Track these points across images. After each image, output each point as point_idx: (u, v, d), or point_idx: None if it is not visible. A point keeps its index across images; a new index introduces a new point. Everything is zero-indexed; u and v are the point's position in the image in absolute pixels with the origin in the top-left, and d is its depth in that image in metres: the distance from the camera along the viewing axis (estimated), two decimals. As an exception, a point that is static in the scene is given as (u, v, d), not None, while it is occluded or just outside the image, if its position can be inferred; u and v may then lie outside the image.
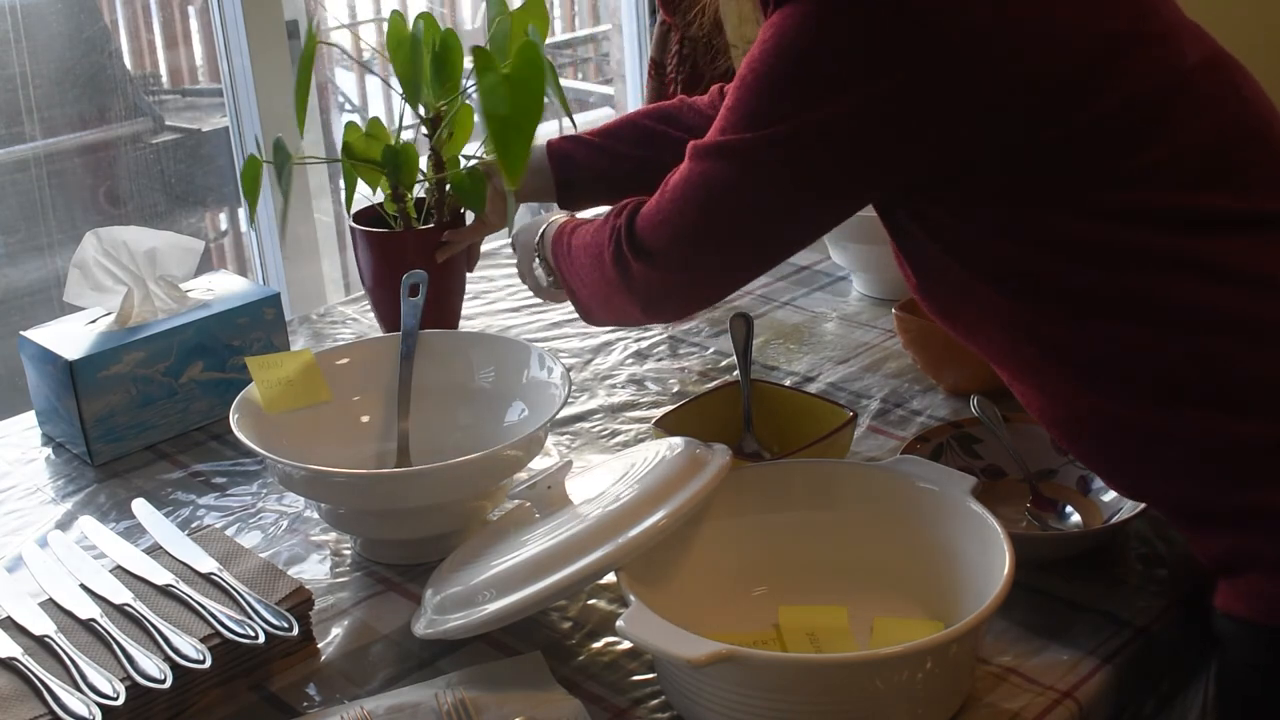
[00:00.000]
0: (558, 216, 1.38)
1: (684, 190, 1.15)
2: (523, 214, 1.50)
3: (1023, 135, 1.04)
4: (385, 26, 1.53)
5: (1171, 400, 1.03)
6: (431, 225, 1.55)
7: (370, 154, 1.52)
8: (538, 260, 1.37)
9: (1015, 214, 1.06)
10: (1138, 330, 1.04)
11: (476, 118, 1.53)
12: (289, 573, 1.16)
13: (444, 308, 1.55)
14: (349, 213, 1.59)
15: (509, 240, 1.51)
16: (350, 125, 1.52)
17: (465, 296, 1.79)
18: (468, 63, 1.54)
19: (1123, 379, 1.05)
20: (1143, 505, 1.16)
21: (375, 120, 1.54)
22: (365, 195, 1.57)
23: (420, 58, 1.46)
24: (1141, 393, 1.04)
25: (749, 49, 1.16)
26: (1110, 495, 1.23)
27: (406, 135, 1.54)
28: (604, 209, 1.31)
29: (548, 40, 1.69)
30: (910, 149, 1.06)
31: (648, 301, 1.20)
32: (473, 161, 1.57)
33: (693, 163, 1.14)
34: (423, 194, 1.56)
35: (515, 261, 1.46)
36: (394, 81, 1.53)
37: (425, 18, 1.49)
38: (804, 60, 1.06)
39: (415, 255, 1.51)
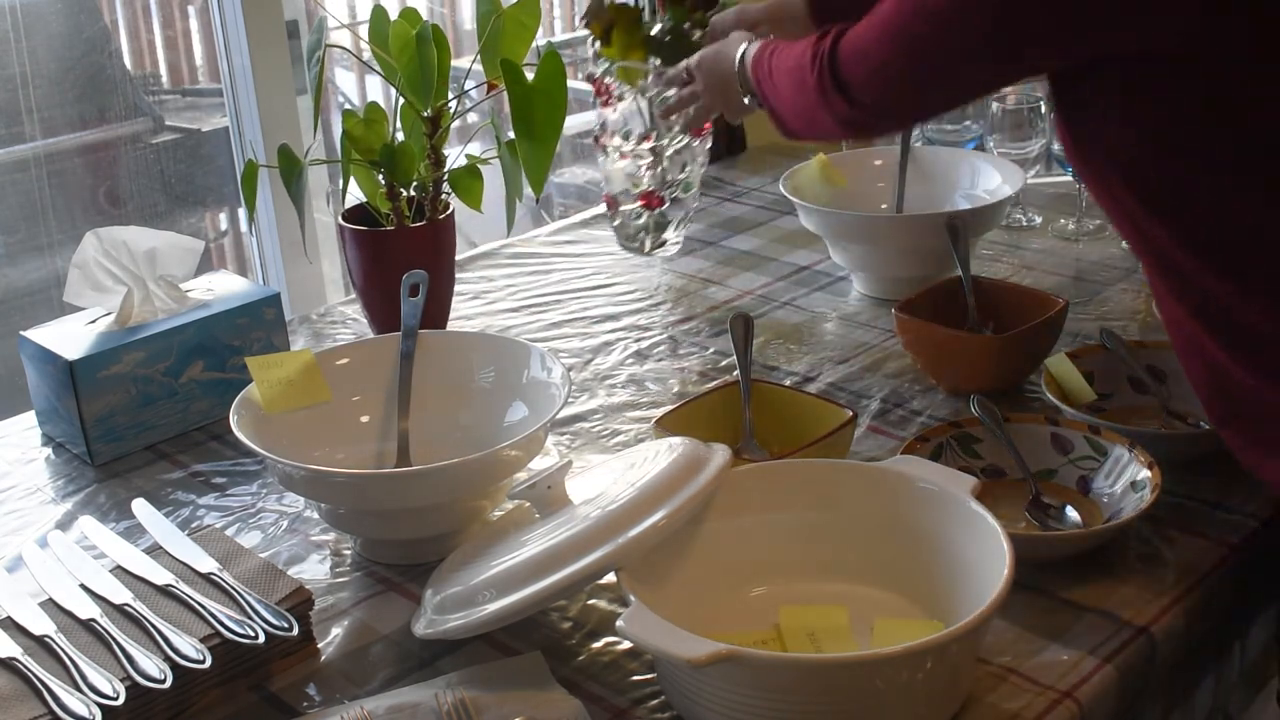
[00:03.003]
0: (747, 42, 1.44)
1: (888, 26, 1.16)
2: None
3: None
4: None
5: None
6: (423, 223, 1.55)
7: (369, 141, 1.52)
8: (742, 91, 1.43)
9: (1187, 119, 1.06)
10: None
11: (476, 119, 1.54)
12: (289, 573, 1.16)
13: (434, 305, 1.55)
14: (342, 199, 1.59)
15: (506, 231, 1.52)
16: (348, 113, 1.52)
17: (465, 296, 1.80)
18: (461, 63, 1.54)
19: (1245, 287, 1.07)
20: (1143, 506, 1.16)
21: (373, 105, 1.54)
22: (354, 194, 1.57)
23: (429, 60, 1.46)
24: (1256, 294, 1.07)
25: None
26: (1110, 495, 1.23)
27: (400, 136, 1.54)
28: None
29: (547, 39, 1.68)
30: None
31: (847, 125, 1.27)
32: (479, 155, 1.57)
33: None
34: (411, 192, 1.56)
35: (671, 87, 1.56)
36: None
37: (410, 12, 1.49)
38: None
39: (406, 254, 1.51)
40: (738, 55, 1.45)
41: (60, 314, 1.49)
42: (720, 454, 1.11)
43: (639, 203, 1.79)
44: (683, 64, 1.56)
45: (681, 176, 1.78)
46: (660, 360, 1.62)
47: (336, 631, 1.15)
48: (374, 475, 1.24)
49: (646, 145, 1.75)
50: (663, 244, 1.84)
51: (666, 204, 1.79)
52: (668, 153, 1.76)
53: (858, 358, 1.59)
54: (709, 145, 1.84)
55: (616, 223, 1.84)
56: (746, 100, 1.45)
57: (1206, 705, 1.21)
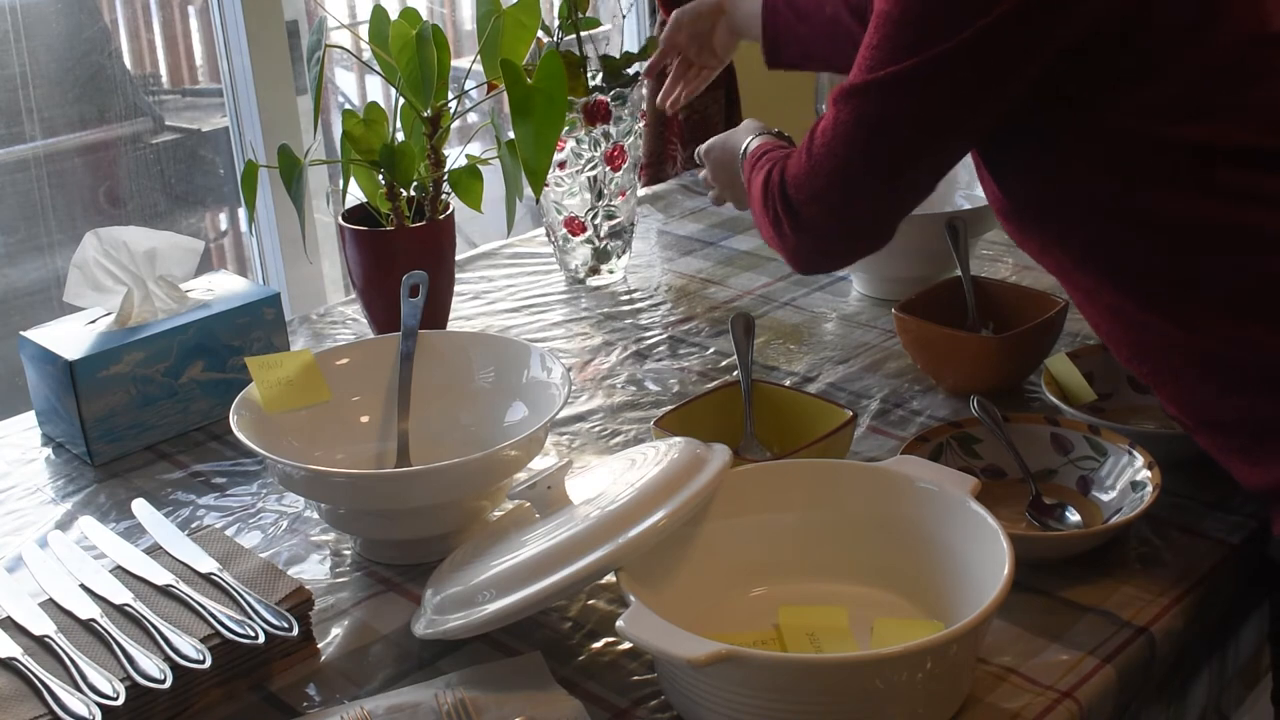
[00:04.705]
0: (751, 137, 1.44)
1: (834, 135, 1.18)
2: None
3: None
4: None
5: (1233, 319, 1.09)
6: (423, 223, 1.55)
7: (369, 141, 1.52)
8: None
9: (1112, 137, 1.11)
10: (1205, 256, 1.10)
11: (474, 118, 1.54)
12: (289, 573, 1.16)
13: (434, 305, 1.55)
14: (342, 199, 1.59)
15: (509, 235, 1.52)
16: (348, 113, 1.52)
17: (465, 296, 1.80)
18: (461, 63, 1.54)
19: (1186, 302, 1.11)
20: (1143, 506, 1.16)
21: (373, 105, 1.54)
22: (354, 194, 1.57)
23: (429, 60, 1.46)
24: (1204, 314, 1.10)
25: None
26: (1110, 495, 1.24)
27: (400, 136, 1.54)
28: None
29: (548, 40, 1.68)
30: (1062, 37, 1.09)
31: (796, 259, 1.29)
32: (479, 155, 1.57)
33: (841, 107, 1.17)
34: (411, 192, 1.56)
35: (703, 174, 1.59)
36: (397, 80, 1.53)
37: (410, 12, 1.49)
38: None
39: (406, 254, 1.51)
40: (741, 149, 1.45)
41: (60, 314, 1.49)
42: (720, 454, 1.11)
43: (564, 229, 1.80)
44: (697, 149, 1.60)
45: (614, 204, 1.79)
46: (660, 360, 1.62)
47: (336, 631, 1.15)
48: (374, 475, 1.24)
49: (585, 177, 1.76)
50: (598, 271, 1.85)
51: (589, 230, 1.80)
52: (610, 185, 1.77)
53: (858, 358, 1.59)
54: (638, 181, 1.87)
55: (563, 251, 1.85)
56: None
57: (1200, 703, 1.21)
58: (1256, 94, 1.10)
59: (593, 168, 1.76)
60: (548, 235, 1.86)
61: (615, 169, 1.76)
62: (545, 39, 1.72)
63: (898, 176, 1.20)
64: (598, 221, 1.80)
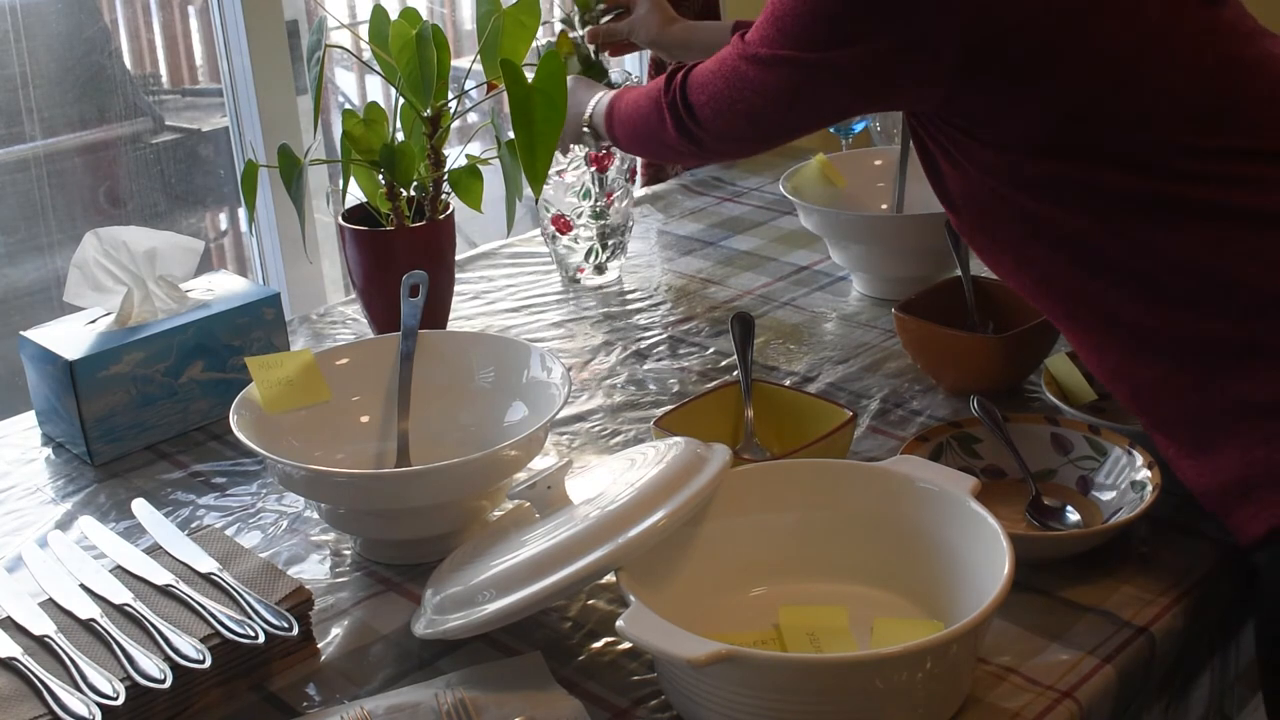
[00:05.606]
0: (603, 95, 1.56)
1: (731, 84, 1.29)
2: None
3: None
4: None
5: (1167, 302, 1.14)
6: (423, 223, 1.55)
7: (369, 141, 1.52)
8: (586, 129, 1.58)
9: (1029, 164, 1.17)
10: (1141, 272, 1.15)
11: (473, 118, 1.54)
12: (289, 573, 1.16)
13: (434, 304, 1.55)
14: (342, 199, 1.59)
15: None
16: (348, 113, 1.52)
17: (465, 296, 1.80)
18: (461, 63, 1.54)
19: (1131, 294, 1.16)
20: (1143, 506, 1.16)
21: (374, 105, 1.54)
22: (354, 194, 1.57)
23: (429, 60, 1.46)
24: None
25: None
26: (1110, 495, 1.23)
27: (400, 136, 1.54)
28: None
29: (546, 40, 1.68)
30: (954, 71, 1.15)
31: (696, 148, 1.40)
32: (479, 155, 1.57)
33: (743, 62, 1.27)
34: (411, 192, 1.56)
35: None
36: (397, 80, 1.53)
37: (410, 12, 1.49)
38: None
39: (406, 254, 1.51)
40: (589, 108, 1.55)
41: (60, 314, 1.49)
42: (720, 454, 1.11)
43: (558, 229, 1.80)
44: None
45: (608, 204, 1.79)
46: (660, 360, 1.62)
47: (336, 631, 1.15)
48: (374, 475, 1.24)
49: (580, 176, 1.76)
50: (599, 271, 1.85)
51: (585, 230, 1.80)
52: (604, 186, 1.78)
53: (858, 358, 1.59)
54: (638, 180, 1.87)
55: (560, 251, 1.85)
56: (592, 143, 1.61)
57: (1203, 704, 1.21)
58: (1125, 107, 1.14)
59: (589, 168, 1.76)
60: (544, 236, 1.86)
61: (602, 170, 1.76)
62: (571, 33, 1.72)
63: (770, 131, 1.33)
64: (593, 221, 1.80)
